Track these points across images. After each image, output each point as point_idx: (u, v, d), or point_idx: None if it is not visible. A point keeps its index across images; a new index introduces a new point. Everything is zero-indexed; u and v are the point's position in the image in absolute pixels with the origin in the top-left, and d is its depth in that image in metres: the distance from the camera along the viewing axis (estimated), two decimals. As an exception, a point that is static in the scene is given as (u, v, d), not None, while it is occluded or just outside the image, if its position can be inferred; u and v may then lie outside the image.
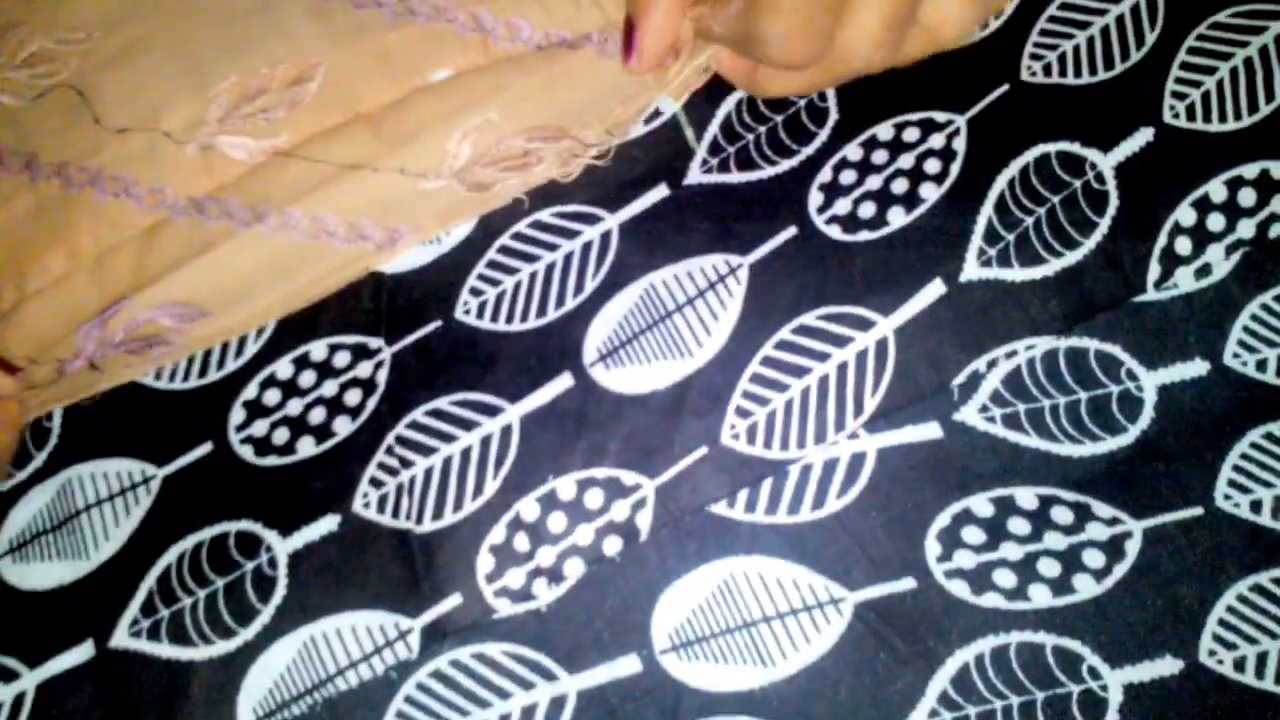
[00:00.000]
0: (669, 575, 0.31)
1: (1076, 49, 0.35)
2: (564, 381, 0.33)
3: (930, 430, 0.32)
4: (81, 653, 0.32)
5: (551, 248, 0.35)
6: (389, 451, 0.33)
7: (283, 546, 0.32)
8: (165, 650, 0.32)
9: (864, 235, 0.33)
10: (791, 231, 0.34)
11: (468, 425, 0.33)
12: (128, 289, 0.34)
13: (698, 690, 0.31)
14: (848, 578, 0.31)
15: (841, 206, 0.34)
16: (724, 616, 0.31)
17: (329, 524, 0.32)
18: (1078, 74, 0.35)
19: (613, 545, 0.31)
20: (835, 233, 0.34)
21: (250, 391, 0.34)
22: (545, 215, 0.35)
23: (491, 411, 0.33)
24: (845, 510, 0.32)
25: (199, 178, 0.35)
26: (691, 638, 0.31)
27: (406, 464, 0.33)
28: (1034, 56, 0.35)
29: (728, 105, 0.36)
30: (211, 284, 0.34)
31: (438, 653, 0.31)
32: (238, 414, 0.34)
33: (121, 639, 0.32)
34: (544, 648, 0.31)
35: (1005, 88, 0.35)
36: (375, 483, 0.33)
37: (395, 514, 0.32)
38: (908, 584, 0.31)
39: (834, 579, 0.31)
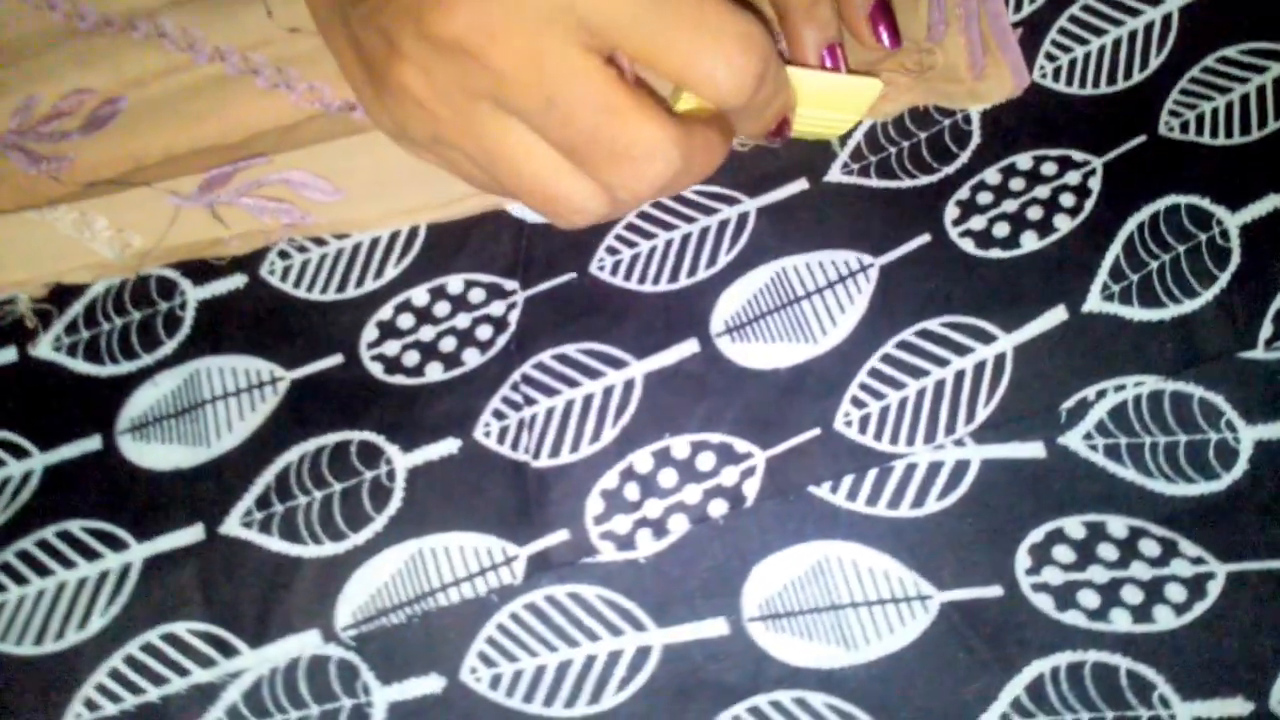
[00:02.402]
0: (766, 548, 0.32)
1: (1215, 111, 0.36)
2: (690, 346, 0.34)
3: (1034, 449, 0.33)
4: (191, 534, 0.33)
5: (689, 220, 0.36)
6: (514, 387, 0.34)
7: (403, 461, 0.33)
8: (274, 544, 0.32)
9: (995, 253, 0.35)
10: (925, 239, 0.35)
11: (593, 373, 0.34)
12: (267, 150, 0.35)
13: (780, 661, 0.32)
14: (938, 577, 0.32)
15: (976, 223, 0.35)
16: (814, 595, 0.32)
17: (449, 446, 0.33)
18: (1214, 135, 0.36)
19: (718, 508, 0.32)
20: (968, 246, 0.35)
21: (385, 313, 0.35)
22: (686, 191, 0.37)
23: (617, 364, 0.34)
24: (944, 512, 0.33)
25: None
26: (780, 610, 0.32)
27: (530, 401, 0.34)
28: (1172, 113, 0.37)
29: (870, 125, 0.38)
30: (350, 168, 0.36)
31: (537, 585, 0.32)
32: (370, 332, 0.35)
33: (232, 527, 0.33)
34: (637, 598, 0.32)
35: (1143, 138, 0.36)
36: (498, 414, 0.34)
37: (514, 446, 0.33)
38: (995, 591, 0.32)
39: (924, 576, 0.32)
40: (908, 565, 0.32)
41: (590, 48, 0.27)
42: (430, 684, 0.31)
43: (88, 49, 0.37)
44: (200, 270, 0.36)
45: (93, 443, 0.34)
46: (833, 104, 0.34)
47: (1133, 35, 0.38)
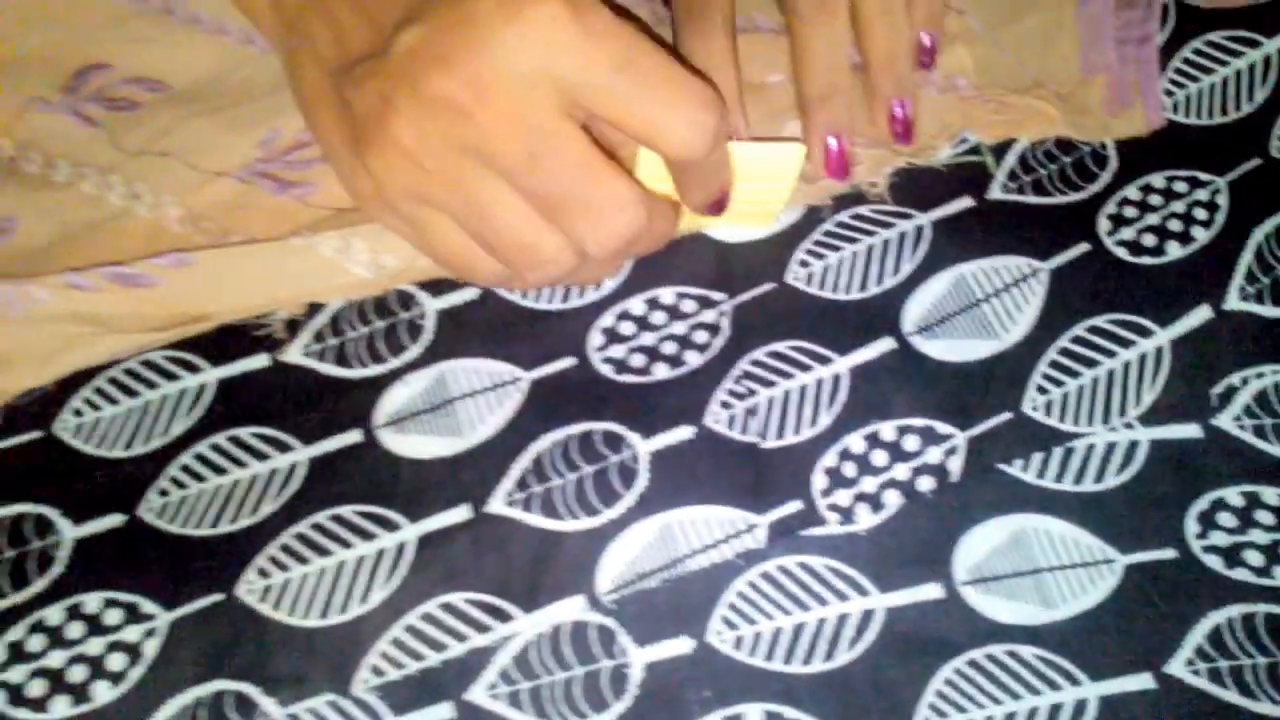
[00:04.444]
0: (970, 521, 0.37)
1: (1320, 140, 0.42)
2: (888, 343, 0.39)
3: (1193, 430, 0.38)
4: (459, 514, 0.36)
5: (870, 234, 0.41)
6: (736, 380, 0.38)
7: (644, 446, 0.37)
8: (536, 520, 0.36)
9: (1146, 260, 0.40)
10: (1085, 247, 0.40)
11: (804, 367, 0.38)
12: None
13: (991, 619, 0.36)
14: (1119, 542, 0.36)
15: (1127, 233, 0.40)
16: (1015, 561, 0.36)
17: (685, 433, 0.37)
18: (1321, 159, 0.42)
19: (926, 484, 0.37)
20: (1123, 254, 0.40)
21: (607, 320, 0.39)
22: (863, 209, 0.41)
23: (824, 360, 0.38)
24: (1121, 487, 0.37)
25: None
26: (988, 575, 0.36)
27: (751, 393, 0.38)
28: (1281, 139, 0.42)
29: (1021, 145, 0.43)
30: None
31: (769, 556, 0.36)
32: (596, 338, 0.39)
33: (497, 506, 0.36)
34: (859, 566, 0.36)
35: (1258, 161, 0.42)
36: (724, 405, 0.38)
37: (743, 431, 0.37)
38: (1170, 554, 0.36)
39: (1108, 542, 0.36)
40: (1093, 533, 0.36)
41: (568, 110, 0.31)
42: (681, 645, 0.35)
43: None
44: (436, 285, 0.40)
45: (353, 436, 0.38)
46: (763, 174, 0.37)
47: (1238, 74, 0.44)
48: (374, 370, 0.39)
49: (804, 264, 0.40)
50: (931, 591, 0.36)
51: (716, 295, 0.39)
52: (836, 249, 0.40)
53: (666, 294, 0.40)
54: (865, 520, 0.36)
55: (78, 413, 0.38)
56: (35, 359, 0.38)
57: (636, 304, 0.40)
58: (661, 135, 0.31)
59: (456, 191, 0.31)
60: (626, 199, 0.32)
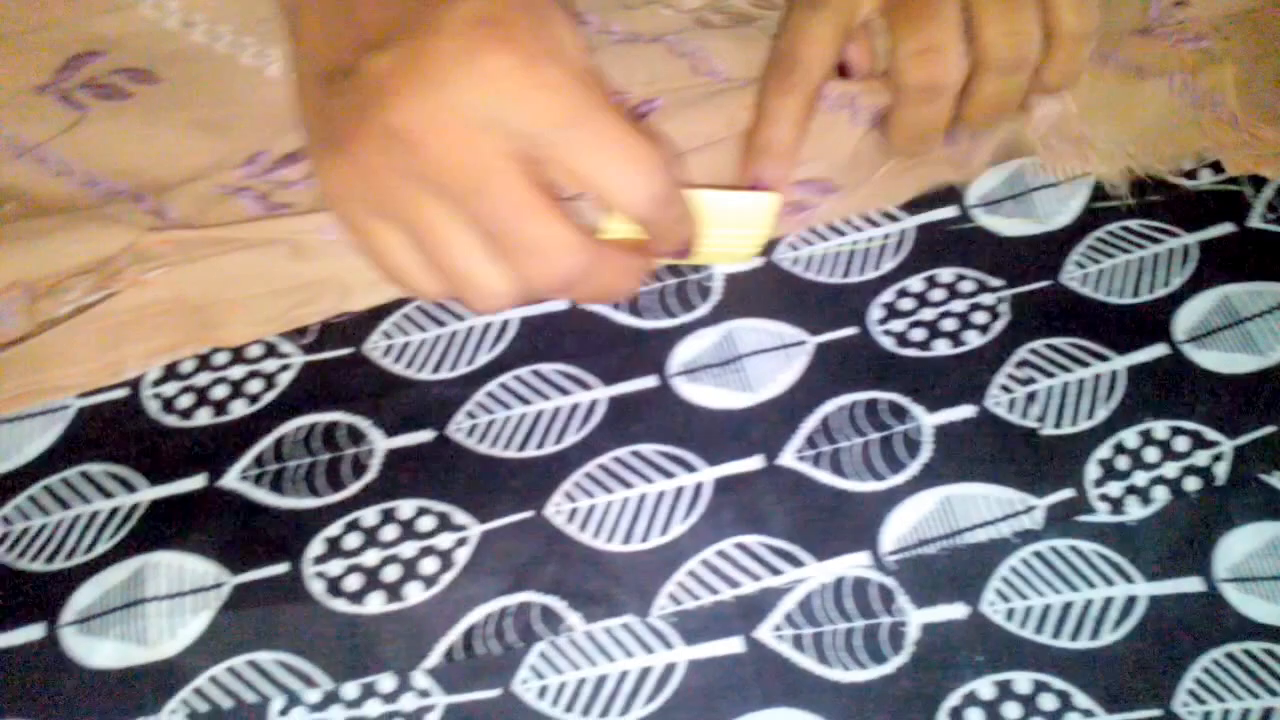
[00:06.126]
0: (1230, 523, 0.38)
1: None
2: (1162, 348, 0.40)
3: None
4: (754, 463, 0.38)
5: (1140, 247, 0.43)
6: (1017, 366, 0.40)
7: (928, 419, 0.39)
8: (825, 477, 0.38)
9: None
10: (1346, 280, 0.42)
11: (1082, 363, 0.40)
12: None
13: (1249, 617, 0.37)
14: (1365, 557, 0.38)
15: (1385, 271, 0.42)
16: (1271, 565, 0.38)
17: (967, 411, 0.39)
18: None
19: (1193, 484, 0.38)
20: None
21: (887, 296, 0.42)
22: (1132, 223, 0.43)
23: (1101, 358, 0.40)
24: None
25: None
26: (1246, 575, 0.38)
27: (1031, 380, 0.40)
28: None
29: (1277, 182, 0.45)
30: (838, 163, 0.43)
31: (1041, 538, 0.38)
32: (876, 311, 0.41)
33: (788, 460, 0.38)
34: (1126, 554, 0.38)
35: None
36: (1004, 389, 0.40)
37: (1024, 416, 0.39)
38: None
39: (1361, 556, 0.38)
40: (1348, 548, 0.38)
41: (517, 154, 0.31)
42: (956, 610, 0.37)
43: (624, 55, 0.44)
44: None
45: (650, 381, 0.40)
46: (735, 221, 0.38)
47: None
48: (665, 323, 0.41)
49: (1080, 265, 0.42)
50: (1193, 584, 0.37)
51: (994, 281, 0.42)
52: (1110, 256, 0.42)
53: (945, 274, 0.42)
54: (1134, 512, 0.38)
55: (386, 335, 0.41)
56: (359, 286, 0.41)
57: (915, 282, 0.42)
58: (605, 191, 0.33)
59: (408, 213, 0.33)
60: (565, 242, 0.32)
